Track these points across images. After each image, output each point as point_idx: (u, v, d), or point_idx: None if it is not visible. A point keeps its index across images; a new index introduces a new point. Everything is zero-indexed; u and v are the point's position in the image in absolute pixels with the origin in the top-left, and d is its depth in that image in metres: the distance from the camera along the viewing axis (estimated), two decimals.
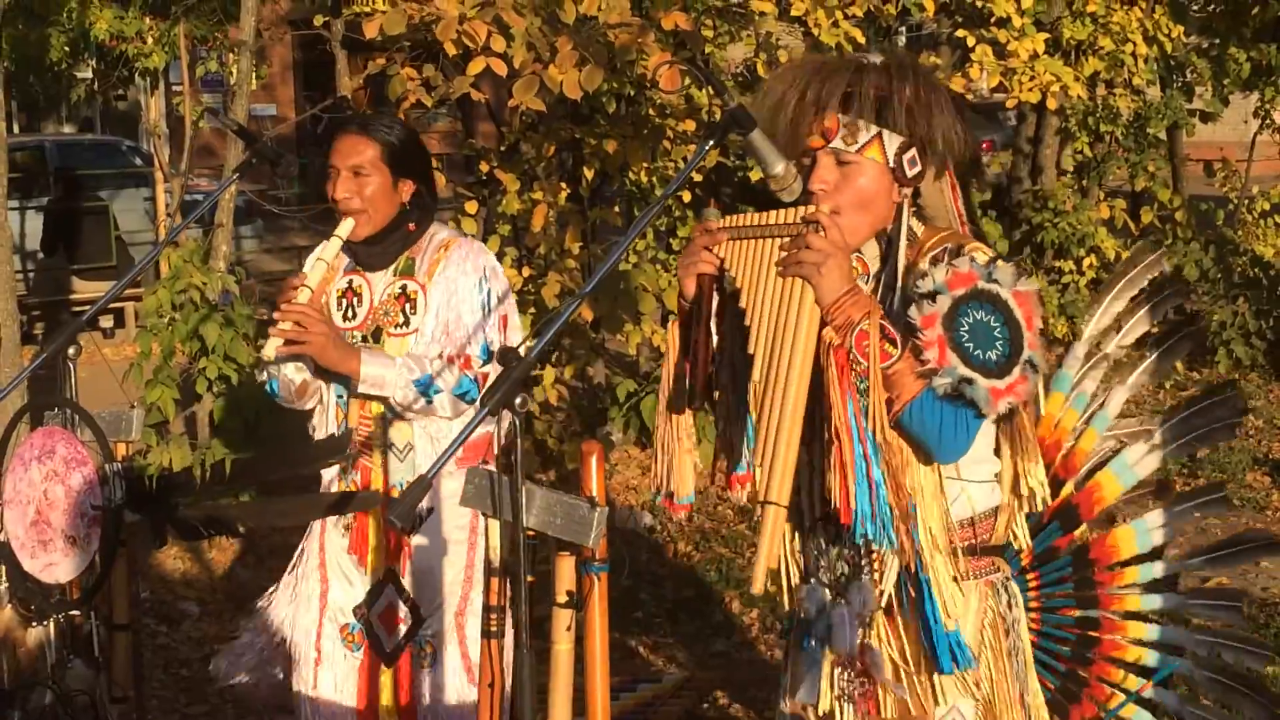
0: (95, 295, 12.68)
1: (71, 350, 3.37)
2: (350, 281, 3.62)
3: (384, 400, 3.49)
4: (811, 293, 2.44)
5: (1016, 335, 2.45)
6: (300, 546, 3.73)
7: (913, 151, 2.55)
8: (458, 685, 3.58)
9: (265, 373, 3.61)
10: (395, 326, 3.53)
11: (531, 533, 2.47)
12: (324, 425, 3.63)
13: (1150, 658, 3.03)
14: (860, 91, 2.52)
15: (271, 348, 3.41)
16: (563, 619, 2.54)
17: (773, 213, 2.53)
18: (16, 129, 20.40)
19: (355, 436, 3.55)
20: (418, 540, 3.56)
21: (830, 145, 2.54)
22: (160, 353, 7.01)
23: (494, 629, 2.66)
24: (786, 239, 2.48)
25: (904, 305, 2.50)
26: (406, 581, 3.56)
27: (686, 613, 5.93)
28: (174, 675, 5.37)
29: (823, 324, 2.45)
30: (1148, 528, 3.10)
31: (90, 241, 13.52)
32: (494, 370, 3.45)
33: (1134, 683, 3.01)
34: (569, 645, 2.54)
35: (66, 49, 14.15)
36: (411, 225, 3.56)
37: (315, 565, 3.67)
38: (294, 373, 3.54)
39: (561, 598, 2.54)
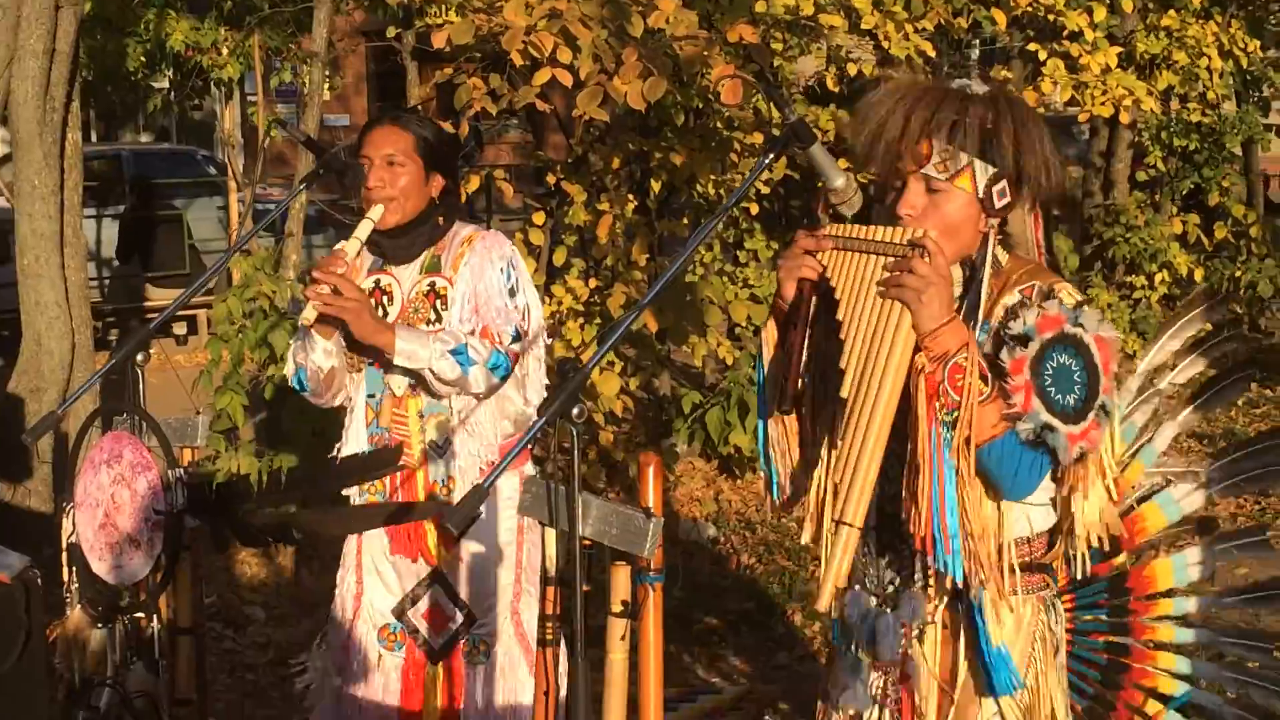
0: (169, 303, 12.78)
1: (140, 357, 3.43)
2: (378, 281, 3.62)
3: (418, 380, 3.49)
4: (909, 317, 2.42)
5: (1094, 380, 2.46)
6: (343, 552, 3.76)
7: (1003, 184, 2.53)
8: (513, 682, 3.59)
9: (293, 362, 3.59)
10: (426, 324, 3.53)
11: (588, 542, 2.48)
12: (353, 432, 3.63)
13: (1179, 689, 3.10)
14: (964, 121, 2.50)
15: (311, 311, 3.41)
16: (617, 629, 2.55)
17: (879, 229, 2.50)
18: (94, 138, 20.71)
19: (404, 449, 3.55)
20: (469, 542, 3.57)
21: (922, 170, 2.52)
22: (230, 360, 7.08)
23: (550, 637, 2.67)
24: (891, 259, 2.46)
25: (991, 341, 2.50)
26: (461, 582, 3.58)
27: (748, 625, 5.92)
28: (240, 679, 5.42)
29: (916, 349, 2.44)
30: (1186, 563, 3.16)
31: (165, 249, 13.67)
32: (521, 350, 3.52)
33: (1154, 707, 3.08)
34: (623, 655, 2.55)
35: (143, 59, 14.35)
36: (440, 219, 3.60)
37: (352, 567, 3.69)
38: (323, 358, 3.51)
39: (616, 607, 2.55)
